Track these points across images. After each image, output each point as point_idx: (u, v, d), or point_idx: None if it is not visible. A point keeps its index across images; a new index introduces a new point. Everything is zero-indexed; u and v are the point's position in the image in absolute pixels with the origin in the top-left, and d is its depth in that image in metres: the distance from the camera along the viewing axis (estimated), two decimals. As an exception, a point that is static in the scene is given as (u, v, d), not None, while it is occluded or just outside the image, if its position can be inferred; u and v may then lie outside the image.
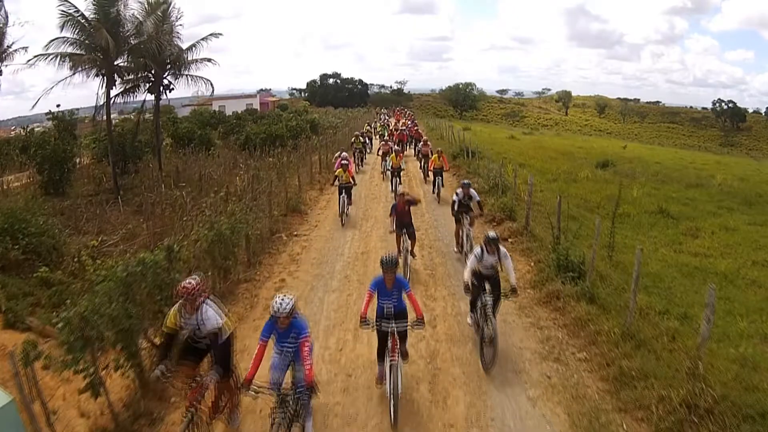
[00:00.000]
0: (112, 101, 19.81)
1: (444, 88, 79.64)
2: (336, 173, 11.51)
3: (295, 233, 10.45)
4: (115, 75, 18.14)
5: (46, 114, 41.00)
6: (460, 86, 76.66)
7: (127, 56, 18.18)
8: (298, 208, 11.94)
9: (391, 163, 13.95)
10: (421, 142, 17.40)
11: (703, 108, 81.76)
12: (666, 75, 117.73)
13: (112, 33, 17.53)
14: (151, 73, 19.41)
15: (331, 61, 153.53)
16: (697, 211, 15.74)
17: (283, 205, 11.70)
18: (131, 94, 19.70)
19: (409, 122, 30.57)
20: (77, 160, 23.66)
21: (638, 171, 20.82)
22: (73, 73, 17.45)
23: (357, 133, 20.18)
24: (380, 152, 16.57)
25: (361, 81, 76.55)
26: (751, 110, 77.07)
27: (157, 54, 18.21)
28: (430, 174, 13.94)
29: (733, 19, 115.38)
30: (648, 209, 14.50)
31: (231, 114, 47.26)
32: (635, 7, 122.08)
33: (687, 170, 25.31)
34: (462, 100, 75.09)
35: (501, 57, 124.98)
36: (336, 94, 72.68)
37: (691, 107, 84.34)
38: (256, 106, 58.45)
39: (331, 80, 75.77)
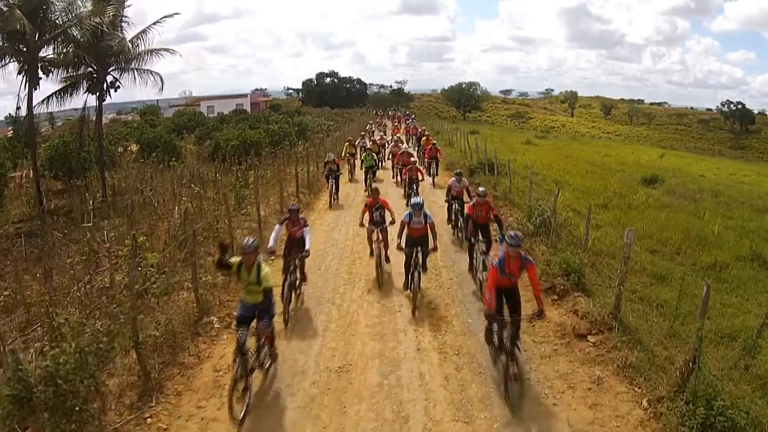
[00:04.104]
0: (46, 102, 16.07)
1: (445, 88, 75.74)
2: None
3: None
4: (40, 71, 14.28)
5: (5, 118, 37.14)
6: (463, 86, 72.69)
7: (56, 45, 14.33)
8: (253, 262, 8.03)
9: None
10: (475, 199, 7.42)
11: (708, 109, 78.81)
12: (667, 76, 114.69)
13: (35, 17, 13.69)
14: (93, 68, 15.57)
15: (330, 62, 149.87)
16: (787, 250, 11.94)
17: (228, 257, 7.79)
18: (69, 94, 15.86)
19: (403, 139, 21.17)
20: (21, 174, 20.11)
21: (693, 190, 17.03)
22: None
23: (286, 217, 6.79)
24: None
25: (359, 80, 72.57)
26: (754, 111, 73.69)
27: (92, 42, 14.32)
28: None
29: (735, 19, 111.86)
30: (738, 253, 10.66)
31: (216, 115, 43.44)
32: (637, 8, 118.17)
33: (738, 186, 21.56)
34: (465, 101, 71.13)
35: (501, 57, 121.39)
36: (333, 93, 68.70)
37: (692, 108, 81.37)
38: (247, 106, 54.64)
39: (328, 79, 71.72)
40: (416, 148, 19.84)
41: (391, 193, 13.51)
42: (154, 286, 6.18)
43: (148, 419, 4.68)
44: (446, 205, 9.69)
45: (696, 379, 4.59)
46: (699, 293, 8.34)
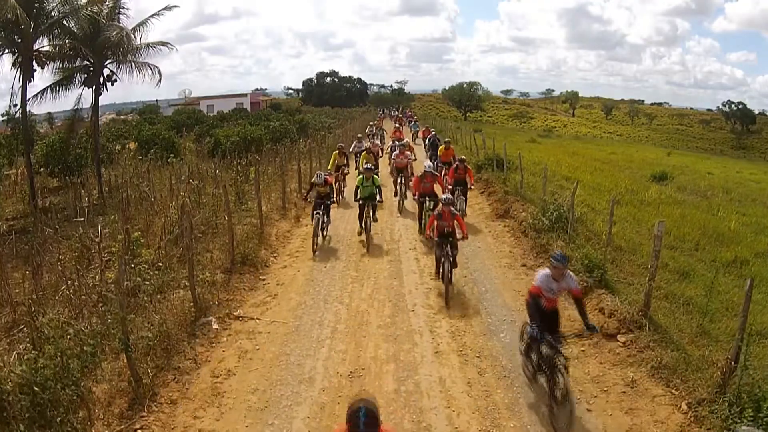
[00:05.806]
0: (40, 96, 15.62)
1: (446, 88, 75.41)
2: None
3: (237, 313, 6.14)
4: (35, 63, 13.84)
5: (2, 115, 36.78)
6: (464, 85, 72.33)
7: (51, 37, 13.88)
8: (253, 258, 7.60)
9: None
10: None
11: (708, 110, 78.55)
12: (667, 76, 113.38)
13: (30, 6, 13.26)
14: (89, 60, 15.13)
15: (330, 62, 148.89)
16: (803, 249, 11.55)
17: (228, 254, 7.38)
18: (64, 88, 15.40)
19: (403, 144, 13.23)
20: (16, 171, 19.75)
21: (704, 187, 16.65)
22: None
23: None
24: None
25: (359, 80, 72.23)
26: (755, 112, 73.35)
27: (89, 33, 13.88)
28: None
29: (736, 20, 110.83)
30: (757, 249, 10.29)
31: (216, 114, 43.07)
32: (637, 9, 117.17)
33: (747, 184, 21.16)
34: (466, 101, 70.76)
35: (501, 58, 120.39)
36: (333, 93, 68.33)
37: (692, 108, 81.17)
38: (247, 105, 54.22)
39: (328, 79, 71.37)
40: (432, 161, 12.89)
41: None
42: (147, 283, 5.74)
43: (139, 430, 4.24)
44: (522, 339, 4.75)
45: (740, 378, 4.20)
46: (725, 290, 7.99)
